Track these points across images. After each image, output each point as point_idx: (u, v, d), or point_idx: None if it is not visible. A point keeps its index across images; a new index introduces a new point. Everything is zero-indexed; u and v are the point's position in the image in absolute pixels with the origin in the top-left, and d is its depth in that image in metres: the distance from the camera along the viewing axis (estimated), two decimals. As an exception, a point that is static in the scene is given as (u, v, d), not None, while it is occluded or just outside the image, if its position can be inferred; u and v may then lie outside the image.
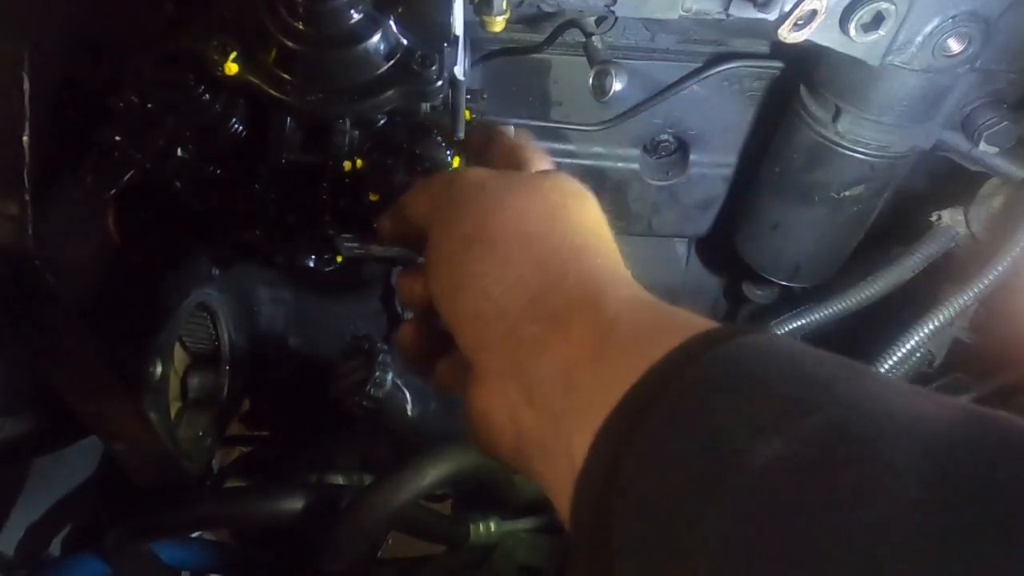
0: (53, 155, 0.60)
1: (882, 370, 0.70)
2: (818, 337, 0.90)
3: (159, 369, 0.86)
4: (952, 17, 0.60)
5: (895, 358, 0.70)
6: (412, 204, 0.47)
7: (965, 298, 0.67)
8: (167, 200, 0.65)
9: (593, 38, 0.65)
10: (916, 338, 0.69)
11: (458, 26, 0.50)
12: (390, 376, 0.81)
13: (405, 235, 0.50)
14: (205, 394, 1.06)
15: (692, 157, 0.95)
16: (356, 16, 0.47)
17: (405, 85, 0.50)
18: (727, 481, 0.26)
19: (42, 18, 0.57)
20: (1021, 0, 0.60)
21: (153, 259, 0.77)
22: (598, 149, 0.96)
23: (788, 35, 0.52)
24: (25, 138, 0.56)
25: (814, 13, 0.51)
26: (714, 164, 0.95)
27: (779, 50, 0.81)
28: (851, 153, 0.75)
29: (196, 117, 0.55)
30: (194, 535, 0.98)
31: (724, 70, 0.83)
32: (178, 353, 0.97)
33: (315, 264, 0.75)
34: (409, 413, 0.83)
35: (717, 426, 0.28)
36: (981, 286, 0.67)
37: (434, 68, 0.49)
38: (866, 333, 0.84)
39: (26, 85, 0.56)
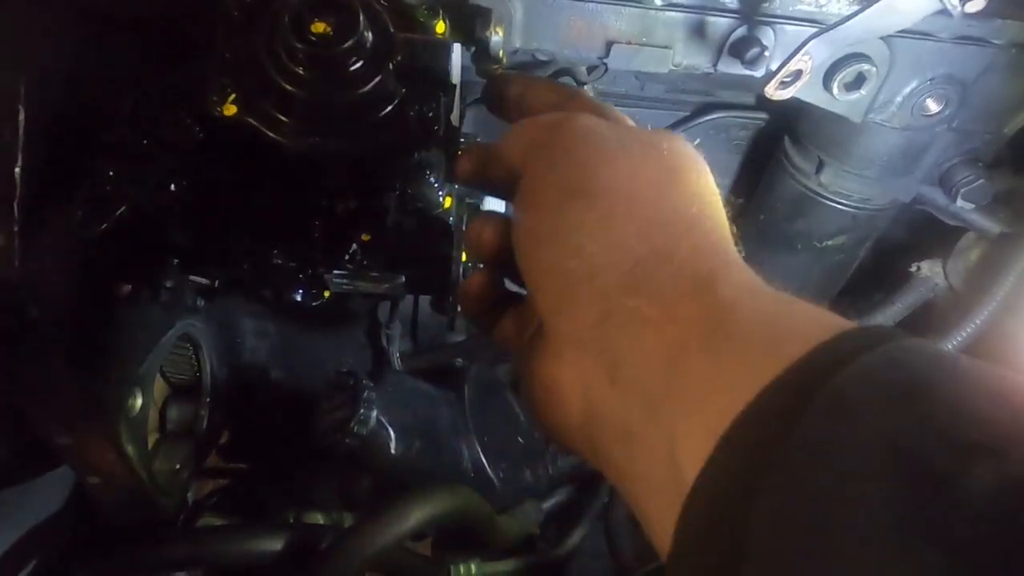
0: (44, 186, 0.60)
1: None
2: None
3: (139, 401, 0.84)
4: (930, 79, 0.63)
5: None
6: (509, 145, 0.42)
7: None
8: (155, 232, 0.65)
9: (585, 87, 0.67)
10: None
11: (455, 75, 0.51)
12: (374, 414, 0.80)
13: (485, 178, 0.46)
14: (184, 426, 1.04)
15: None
16: (356, 63, 0.48)
17: (401, 130, 0.50)
18: (942, 508, 0.22)
19: (39, 48, 0.58)
20: (995, 66, 0.63)
21: (139, 290, 0.77)
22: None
23: (774, 93, 0.54)
24: (17, 169, 0.56)
25: (799, 73, 0.53)
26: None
27: (764, 102, 0.84)
28: (833, 204, 0.77)
29: (190, 154, 0.55)
30: None
31: (711, 120, 0.85)
32: (158, 384, 0.95)
33: (302, 299, 0.75)
34: (392, 452, 0.82)
35: (904, 445, 0.23)
36: (960, 338, 0.68)
37: (431, 116, 0.50)
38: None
39: (21, 116, 0.56)
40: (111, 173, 0.52)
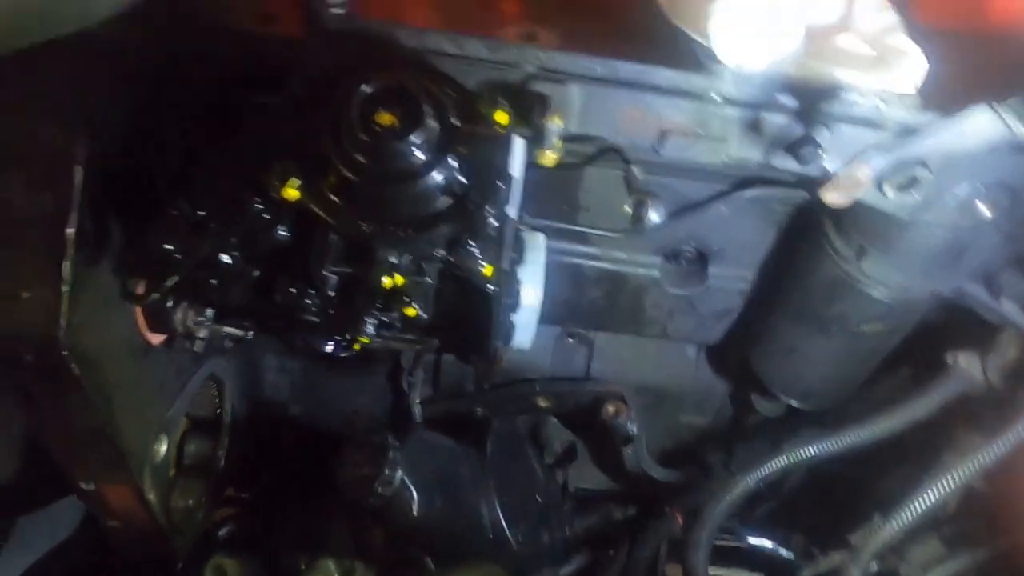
0: (96, 247, 0.60)
1: (906, 521, 0.70)
2: (825, 472, 0.89)
3: (164, 447, 0.84)
4: (982, 184, 0.62)
5: (920, 509, 0.70)
6: None
7: (990, 456, 0.68)
8: (198, 292, 0.65)
9: (633, 167, 0.67)
10: (941, 490, 0.69)
11: (516, 167, 0.51)
12: (399, 474, 0.80)
13: None
14: (201, 461, 1.04)
15: (711, 270, 0.96)
16: (419, 155, 0.48)
17: (458, 222, 0.50)
18: None
19: (97, 106, 0.58)
20: (1049, 174, 0.62)
21: (173, 340, 0.77)
22: (620, 255, 0.97)
23: (830, 198, 0.53)
24: (70, 231, 0.57)
25: (857, 182, 0.53)
26: (732, 278, 0.96)
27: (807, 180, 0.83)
28: (873, 292, 0.76)
29: (244, 226, 0.55)
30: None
31: (751, 194, 0.85)
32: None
33: (333, 350, 0.75)
34: (414, 512, 0.82)
35: None
36: (1006, 447, 0.67)
37: (489, 207, 0.50)
38: (878, 470, 0.84)
39: (78, 177, 0.57)
40: (168, 247, 0.52)
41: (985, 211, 0.64)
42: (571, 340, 1.13)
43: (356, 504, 0.82)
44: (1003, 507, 0.76)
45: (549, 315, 1.03)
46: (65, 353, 0.58)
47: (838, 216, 0.79)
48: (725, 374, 1.15)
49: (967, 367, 0.79)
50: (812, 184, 0.80)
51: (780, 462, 0.83)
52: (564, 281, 1.00)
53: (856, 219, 0.75)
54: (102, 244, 0.61)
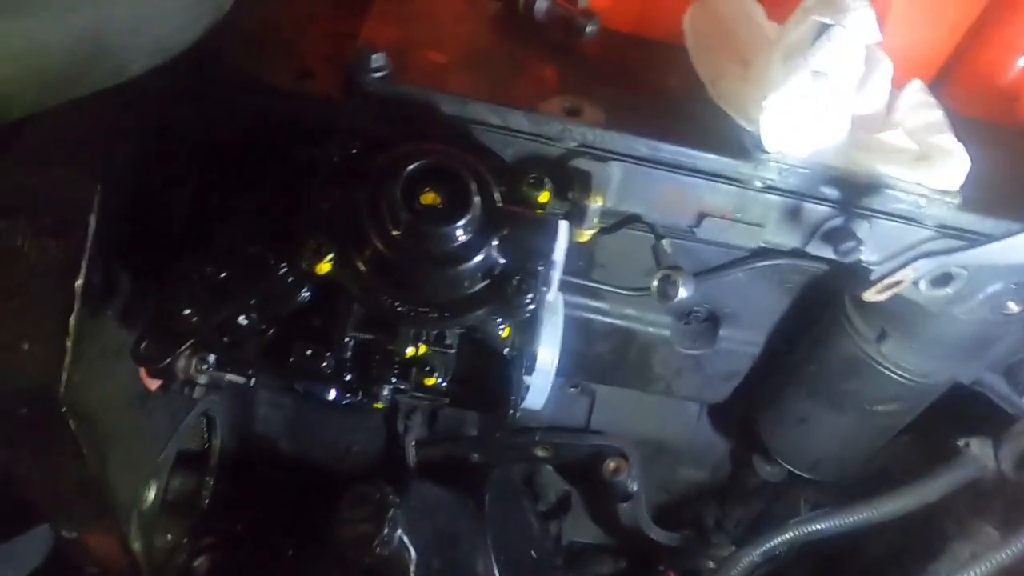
0: (102, 298, 0.57)
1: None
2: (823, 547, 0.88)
3: (152, 493, 0.80)
4: (1015, 283, 0.62)
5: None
6: None
7: (1010, 553, 0.67)
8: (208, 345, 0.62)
9: (663, 242, 0.65)
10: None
11: (560, 252, 0.49)
12: (398, 534, 0.77)
13: None
14: (184, 497, 1.00)
15: (722, 332, 0.95)
16: (461, 239, 0.46)
17: (496, 305, 0.48)
18: None
19: (119, 156, 0.56)
20: (1080, 277, 0.62)
21: (169, 386, 0.73)
22: (632, 312, 0.96)
23: (872, 297, 0.52)
24: (79, 283, 0.54)
25: (898, 283, 0.52)
26: (742, 341, 0.95)
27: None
28: (890, 374, 0.76)
29: (268, 291, 0.53)
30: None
31: (769, 263, 0.84)
32: (165, 454, 0.92)
33: (335, 398, 0.72)
34: (411, 573, 0.79)
35: None
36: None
37: (527, 290, 0.48)
38: (878, 544, 0.83)
39: (92, 227, 0.54)
40: (186, 311, 0.49)
41: (1014, 308, 0.64)
42: (573, 390, 1.11)
43: (351, 561, 0.78)
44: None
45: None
46: (63, 410, 0.55)
47: (860, 295, 0.78)
48: (726, 433, 1.13)
49: (980, 454, 0.78)
50: (833, 260, 0.80)
51: (786, 537, 0.82)
52: (573, 335, 0.98)
53: (880, 303, 0.75)
54: (108, 296, 0.58)
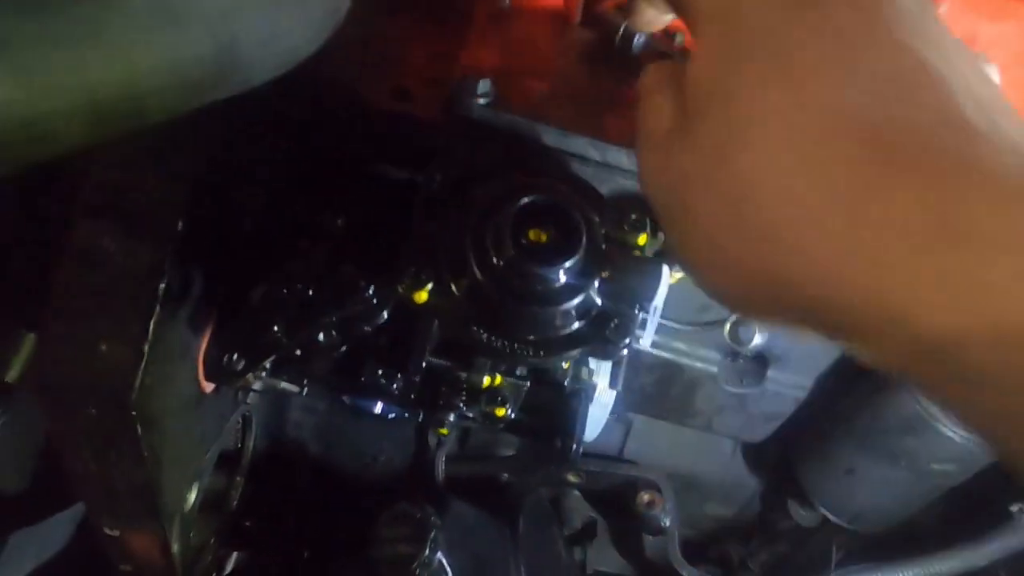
0: (178, 301, 0.56)
1: None
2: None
3: (194, 495, 0.80)
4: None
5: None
6: None
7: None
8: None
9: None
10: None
11: (661, 296, 0.48)
12: (439, 557, 0.76)
13: None
14: (215, 497, 0.99)
15: (770, 373, 0.94)
16: (564, 279, 0.45)
17: (591, 346, 0.47)
18: None
19: (212, 162, 0.55)
20: None
21: (221, 388, 0.73)
22: (681, 346, 0.95)
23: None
24: (162, 286, 0.53)
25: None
26: (790, 384, 0.94)
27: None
28: (951, 435, 0.74)
29: (352, 312, 0.52)
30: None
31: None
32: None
33: (381, 411, 0.71)
34: (448, 598, 0.78)
35: None
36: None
37: (622, 334, 0.47)
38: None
39: (179, 231, 0.53)
40: (275, 328, 0.48)
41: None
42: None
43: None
44: None
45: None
46: (133, 413, 0.54)
47: (924, 351, 0.76)
48: (758, 472, 1.12)
49: (1035, 519, 0.77)
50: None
51: (827, 590, 0.81)
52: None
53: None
54: (182, 299, 0.57)
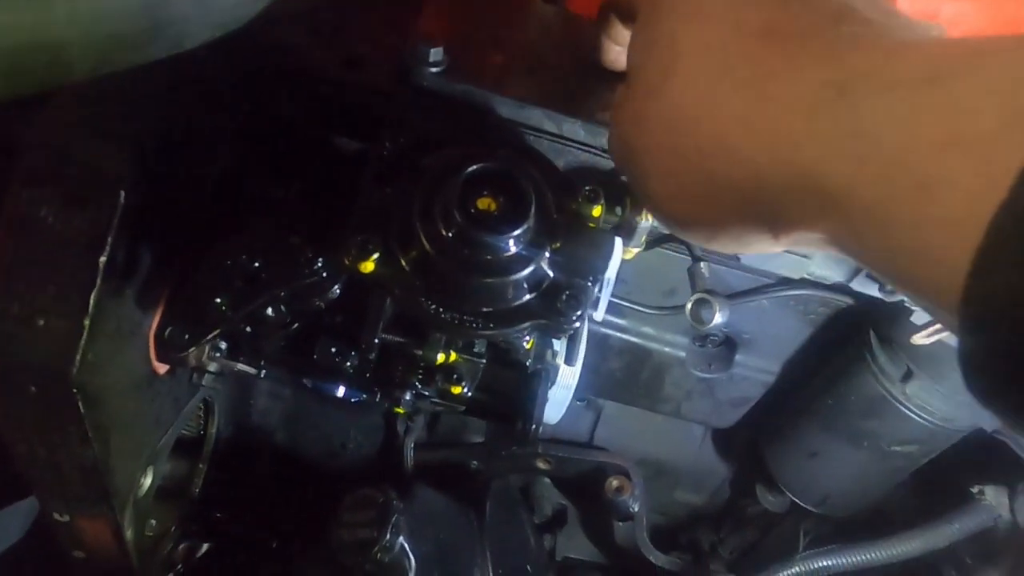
0: (123, 277, 0.55)
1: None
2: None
3: (149, 480, 0.78)
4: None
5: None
6: None
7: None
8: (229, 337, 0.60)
9: (701, 264, 0.64)
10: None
11: (613, 268, 0.48)
12: (400, 541, 0.75)
13: None
14: (176, 483, 0.97)
15: (738, 358, 0.94)
16: (514, 248, 0.44)
17: (541, 319, 0.47)
18: None
19: (157, 130, 0.53)
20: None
21: (176, 368, 0.71)
22: (649, 330, 0.94)
23: (919, 342, 0.51)
24: (102, 259, 0.51)
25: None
26: (758, 368, 0.94)
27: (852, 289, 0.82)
28: (913, 416, 0.75)
29: (301, 285, 0.50)
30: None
31: (794, 292, 0.83)
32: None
33: (344, 394, 0.70)
34: (410, 582, 0.77)
35: None
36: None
37: (578, 310, 0.46)
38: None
39: (120, 201, 0.51)
40: (218, 300, 0.47)
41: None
42: (579, 404, 1.10)
43: (349, 566, 0.76)
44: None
45: (565, 379, 1.00)
46: (74, 391, 0.53)
47: (888, 334, 0.77)
48: (729, 458, 1.12)
49: (994, 503, 0.78)
50: (863, 295, 0.79)
51: (792, 571, 0.81)
52: (589, 349, 0.97)
53: (908, 342, 0.74)
54: (127, 274, 0.56)
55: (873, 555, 0.80)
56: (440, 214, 0.44)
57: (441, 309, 0.46)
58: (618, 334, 0.95)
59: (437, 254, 0.44)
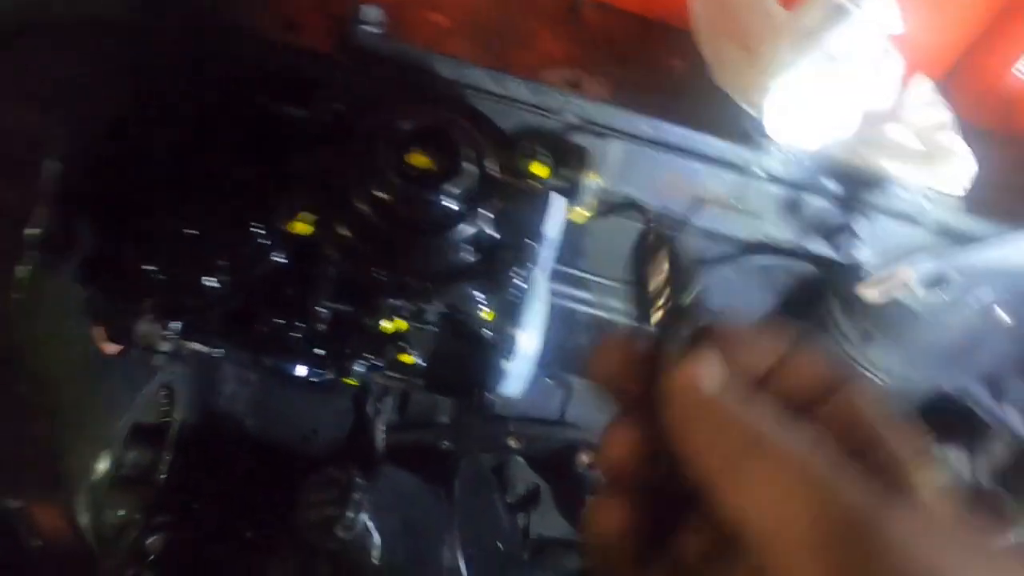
0: (60, 250, 0.53)
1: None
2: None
3: (105, 465, 0.76)
4: (1007, 292, 0.61)
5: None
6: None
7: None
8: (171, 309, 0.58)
9: (652, 227, 0.63)
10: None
11: (554, 227, 0.47)
12: (363, 517, 0.74)
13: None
14: (140, 471, 0.95)
15: (705, 328, 0.94)
16: (451, 205, 0.43)
17: (482, 280, 0.46)
18: None
19: (86, 96, 0.52)
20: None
21: (129, 349, 0.69)
22: (615, 303, 0.94)
23: (868, 295, 0.51)
24: (30, 231, 0.50)
25: (897, 282, 0.50)
26: (725, 339, 0.94)
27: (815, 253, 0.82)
28: (874, 378, 0.75)
29: (239, 252, 0.49)
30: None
31: (759, 260, 0.83)
32: (120, 424, 0.88)
33: (306, 375, 0.69)
34: (374, 560, 0.76)
35: None
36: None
37: (520, 268, 0.46)
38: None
39: (49, 171, 0.50)
40: (146, 267, 0.46)
41: (1005, 318, 0.63)
42: (549, 381, 1.09)
43: (312, 545, 0.75)
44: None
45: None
46: (15, 371, 0.51)
47: (847, 298, 0.77)
48: (700, 431, 1.11)
49: (954, 462, 0.78)
50: (824, 260, 0.79)
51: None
52: (554, 324, 0.96)
53: (867, 304, 0.74)
54: (66, 248, 0.54)
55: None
56: (375, 174, 0.43)
57: (383, 272, 0.45)
58: (584, 308, 0.94)
59: (375, 215, 0.43)
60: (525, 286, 0.46)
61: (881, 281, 0.50)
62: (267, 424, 1.09)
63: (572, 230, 0.87)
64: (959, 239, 0.55)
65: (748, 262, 0.83)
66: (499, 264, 0.45)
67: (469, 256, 0.45)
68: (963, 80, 0.70)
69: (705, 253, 0.86)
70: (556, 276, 0.91)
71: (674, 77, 0.57)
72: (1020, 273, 0.54)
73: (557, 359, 1.03)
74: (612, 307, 0.95)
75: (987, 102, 0.68)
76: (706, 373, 0.29)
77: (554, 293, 0.93)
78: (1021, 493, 0.68)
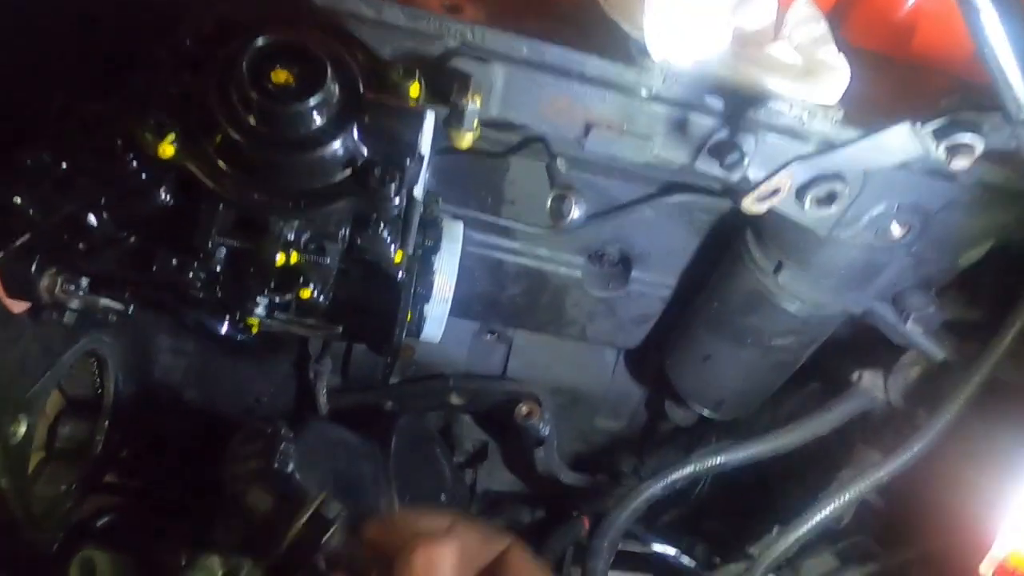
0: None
1: (801, 534, 0.71)
2: (733, 482, 0.90)
3: (23, 428, 0.76)
4: (897, 205, 0.63)
5: (815, 521, 0.71)
6: None
7: (886, 472, 0.69)
8: (63, 256, 0.58)
9: (558, 160, 0.64)
10: (837, 504, 0.70)
11: (426, 145, 0.47)
12: (290, 467, 0.74)
13: None
14: (75, 444, 0.95)
15: (634, 274, 0.95)
16: (318, 121, 0.44)
17: (359, 197, 0.46)
18: None
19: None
20: (959, 201, 0.63)
21: (38, 309, 0.69)
22: (543, 252, 0.95)
23: (751, 207, 0.52)
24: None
25: (777, 191, 0.52)
26: (654, 283, 0.96)
27: (730, 191, 0.83)
28: (787, 306, 0.76)
29: (118, 185, 0.49)
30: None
31: (676, 200, 0.84)
32: (51, 397, 0.87)
33: (227, 331, 0.69)
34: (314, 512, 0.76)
35: None
36: (901, 462, 0.68)
37: (393, 184, 0.46)
38: (781, 483, 0.85)
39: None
40: (17, 200, 0.45)
41: (896, 231, 0.65)
42: (489, 337, 1.10)
43: (241, 499, 0.76)
44: (895, 523, 0.77)
45: (467, 310, 1.00)
46: None
47: (759, 229, 0.78)
48: (642, 380, 1.14)
49: (870, 386, 0.80)
50: (736, 194, 0.80)
51: (686, 471, 0.83)
52: (484, 275, 0.97)
53: (776, 233, 0.75)
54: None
55: (761, 448, 0.82)
56: (235, 93, 0.43)
57: (254, 193, 0.45)
58: (513, 258, 0.95)
59: (240, 136, 0.43)
60: (400, 203, 0.46)
61: (761, 192, 0.51)
62: (210, 395, 1.09)
63: (489, 177, 0.87)
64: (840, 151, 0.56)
65: (666, 202, 0.85)
66: (372, 181, 0.45)
67: (341, 175, 0.45)
68: (858, 8, 0.71)
69: (625, 194, 0.87)
70: (481, 226, 0.92)
71: (555, 1, 0.57)
72: (889, 169, 0.55)
73: (492, 312, 1.04)
74: (541, 255, 0.96)
75: (882, 30, 0.70)
76: None
77: (482, 244, 0.94)
78: (932, 409, 0.70)
